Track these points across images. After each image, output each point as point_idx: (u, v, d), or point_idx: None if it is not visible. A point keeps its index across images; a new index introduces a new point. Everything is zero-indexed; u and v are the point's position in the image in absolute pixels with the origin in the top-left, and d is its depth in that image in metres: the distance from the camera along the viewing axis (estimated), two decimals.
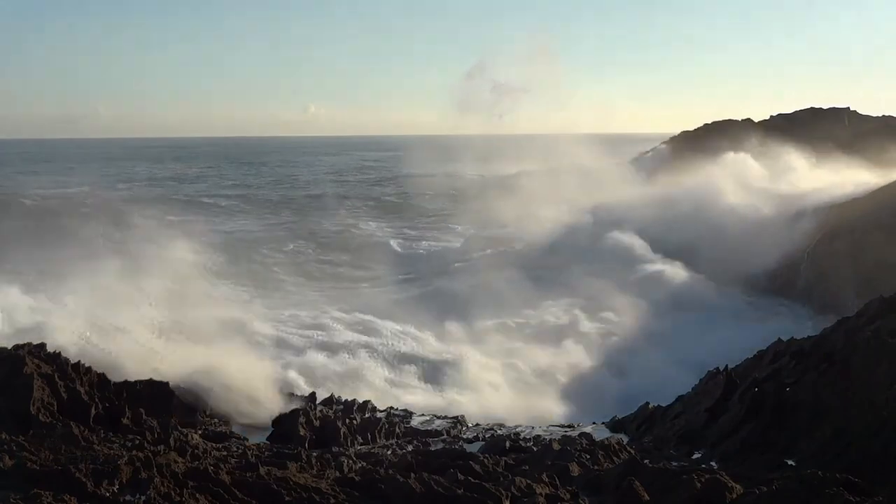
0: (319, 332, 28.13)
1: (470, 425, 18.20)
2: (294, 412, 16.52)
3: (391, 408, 19.15)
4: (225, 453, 12.34)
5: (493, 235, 53.60)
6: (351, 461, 13.04)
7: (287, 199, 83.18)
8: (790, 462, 11.88)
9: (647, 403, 18.45)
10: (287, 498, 8.60)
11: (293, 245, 53.26)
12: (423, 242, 57.51)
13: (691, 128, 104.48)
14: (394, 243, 56.01)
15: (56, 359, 13.81)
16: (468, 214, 62.81)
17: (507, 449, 14.50)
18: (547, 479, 10.44)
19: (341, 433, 15.83)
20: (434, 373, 24.91)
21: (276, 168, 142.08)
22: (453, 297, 35.18)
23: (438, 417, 18.75)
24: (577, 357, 27.84)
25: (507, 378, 25.19)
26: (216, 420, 16.28)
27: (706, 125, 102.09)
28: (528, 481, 9.94)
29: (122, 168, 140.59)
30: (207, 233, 52.25)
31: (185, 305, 24.82)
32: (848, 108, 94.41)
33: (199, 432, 14.73)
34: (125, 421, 13.00)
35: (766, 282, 36.46)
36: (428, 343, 27.67)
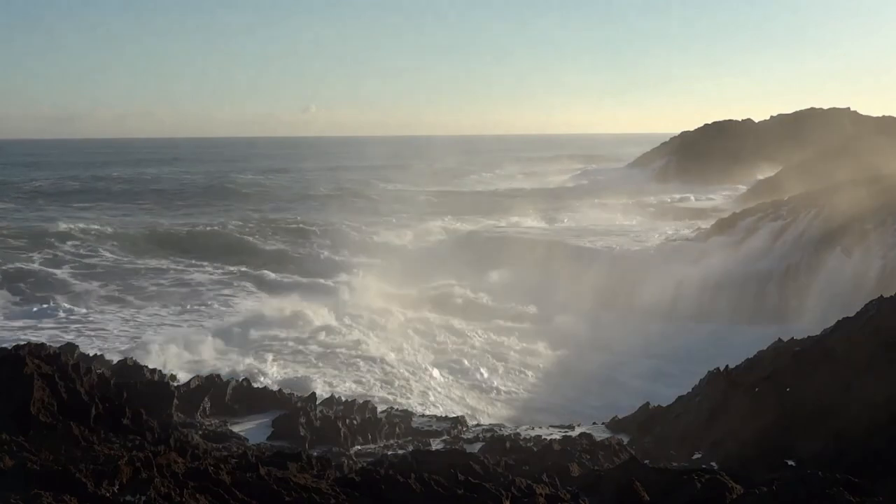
0: None
1: (470, 425, 18.20)
2: (294, 412, 16.54)
3: (391, 408, 19.16)
4: (225, 453, 12.33)
5: None
6: (351, 461, 13.05)
7: None
8: (790, 462, 11.89)
9: (647, 403, 18.45)
10: (287, 498, 8.60)
11: None
12: None
13: (691, 128, 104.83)
14: None
15: (56, 359, 13.81)
16: None
17: (507, 449, 14.51)
18: (547, 479, 10.45)
19: (341, 433, 15.85)
20: None
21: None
22: None
23: (438, 418, 18.75)
24: None
25: None
26: (216, 420, 16.30)
27: (706, 125, 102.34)
28: (528, 481, 9.93)
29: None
30: None
31: None
32: (848, 108, 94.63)
33: (200, 432, 14.74)
34: (125, 421, 12.99)
35: None
36: None
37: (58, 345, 19.73)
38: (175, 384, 17.45)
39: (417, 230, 60.18)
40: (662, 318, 35.24)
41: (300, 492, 8.74)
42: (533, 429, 17.45)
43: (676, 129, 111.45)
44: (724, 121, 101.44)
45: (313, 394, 18.87)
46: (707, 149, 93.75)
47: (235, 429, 15.96)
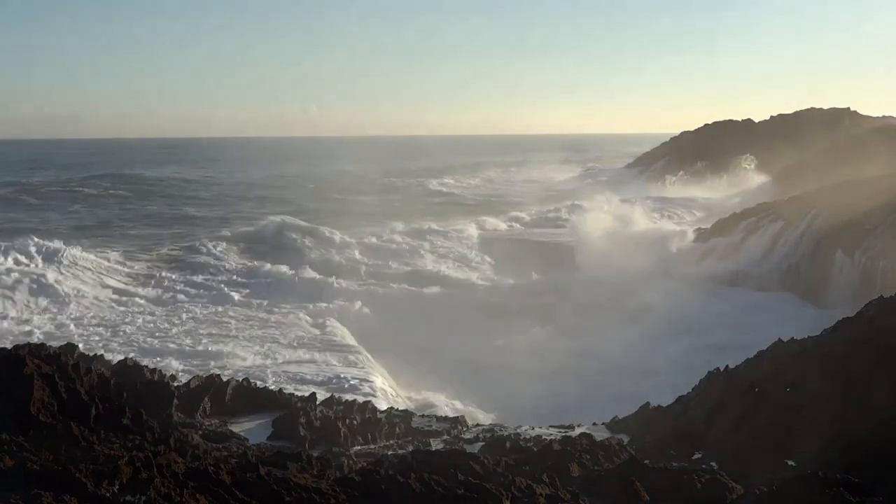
0: None
1: (470, 425, 18.20)
2: (294, 412, 16.53)
3: (391, 408, 19.16)
4: (225, 453, 12.34)
5: None
6: (351, 461, 13.04)
7: None
8: (790, 462, 11.89)
9: (647, 403, 18.45)
10: (287, 498, 8.60)
11: None
12: None
13: (691, 128, 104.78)
14: None
15: (56, 359, 13.81)
16: None
17: (507, 449, 14.51)
18: (547, 479, 10.45)
19: (341, 433, 15.84)
20: None
21: None
22: None
23: (438, 418, 18.75)
24: None
25: None
26: (216, 420, 16.28)
27: (707, 125, 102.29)
28: (528, 481, 9.94)
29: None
30: None
31: None
32: (848, 108, 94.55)
33: (200, 432, 14.73)
34: (125, 421, 13.00)
35: None
36: None
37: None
38: (175, 384, 17.43)
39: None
40: (664, 318, 35.33)
41: (300, 492, 8.74)
42: (533, 429, 17.44)
43: (676, 129, 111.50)
44: (724, 121, 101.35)
45: (313, 394, 18.86)
46: (707, 149, 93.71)
47: (235, 429, 15.94)
